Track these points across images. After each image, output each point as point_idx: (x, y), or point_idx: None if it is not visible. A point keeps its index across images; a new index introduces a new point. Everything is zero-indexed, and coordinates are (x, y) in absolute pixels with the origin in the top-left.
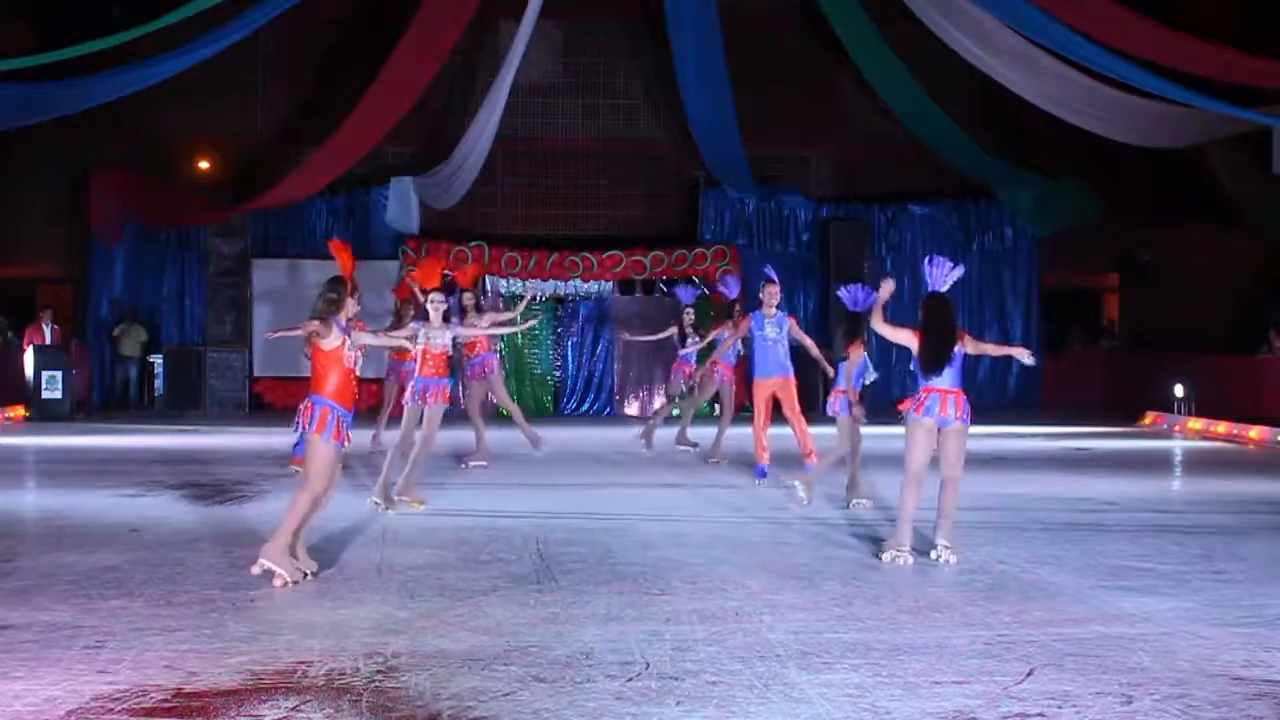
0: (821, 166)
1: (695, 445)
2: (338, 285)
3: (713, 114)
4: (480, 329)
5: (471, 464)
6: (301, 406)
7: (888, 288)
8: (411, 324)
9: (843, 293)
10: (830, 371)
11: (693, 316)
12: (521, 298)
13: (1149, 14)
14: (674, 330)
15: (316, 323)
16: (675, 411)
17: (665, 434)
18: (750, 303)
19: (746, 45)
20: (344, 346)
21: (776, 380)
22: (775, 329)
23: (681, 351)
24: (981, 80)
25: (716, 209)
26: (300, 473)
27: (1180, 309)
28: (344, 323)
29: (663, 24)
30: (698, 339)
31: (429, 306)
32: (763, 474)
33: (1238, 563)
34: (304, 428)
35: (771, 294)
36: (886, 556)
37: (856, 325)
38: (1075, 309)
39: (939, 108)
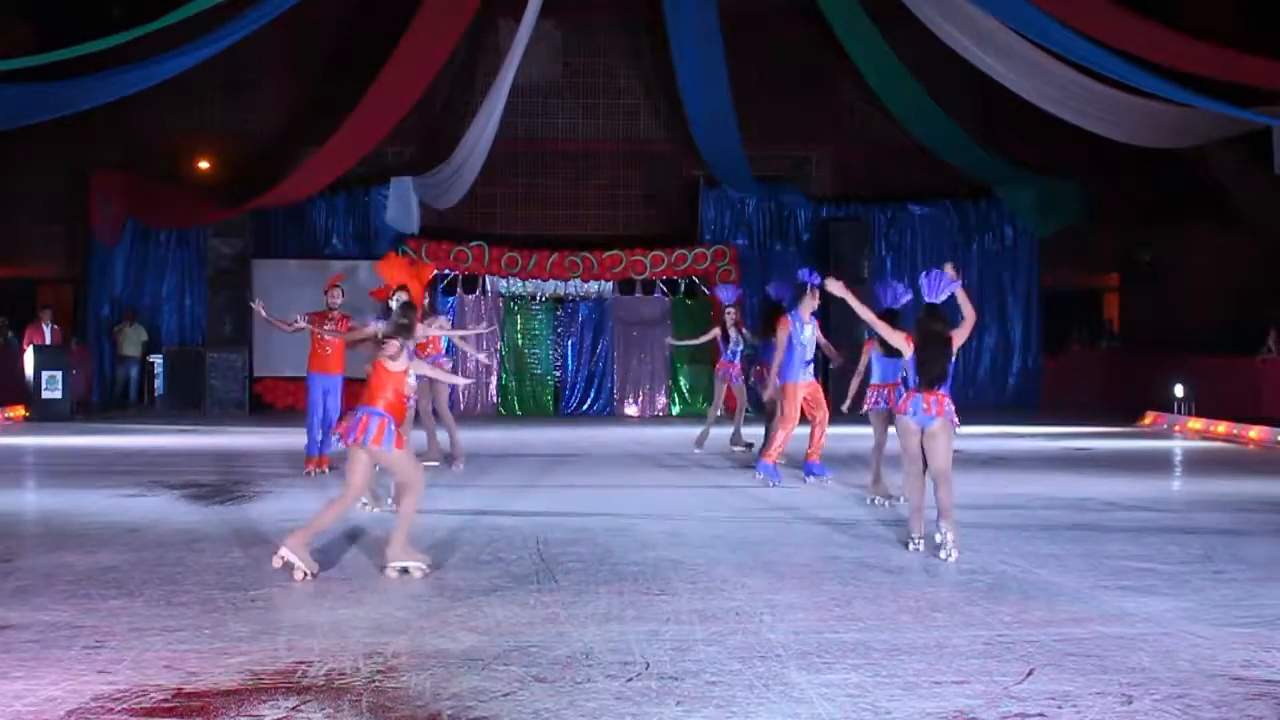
0: (821, 166)
1: (750, 445)
2: (410, 311)
3: (713, 114)
4: (432, 330)
5: (424, 464)
6: (357, 417)
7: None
8: (372, 323)
9: (880, 289)
10: (861, 369)
11: (734, 316)
12: (525, 297)
13: (1149, 14)
14: (716, 332)
15: (395, 344)
16: (719, 413)
17: (717, 433)
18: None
19: (746, 45)
20: (407, 373)
21: (812, 383)
22: (812, 331)
23: (725, 352)
24: (981, 80)
25: (716, 209)
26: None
27: (1180, 309)
28: (412, 347)
29: (663, 24)
30: (741, 339)
31: (391, 303)
32: (777, 476)
33: (1238, 563)
34: (359, 440)
35: (816, 299)
36: (910, 546)
37: (895, 322)
38: (1075, 309)
39: (939, 108)
